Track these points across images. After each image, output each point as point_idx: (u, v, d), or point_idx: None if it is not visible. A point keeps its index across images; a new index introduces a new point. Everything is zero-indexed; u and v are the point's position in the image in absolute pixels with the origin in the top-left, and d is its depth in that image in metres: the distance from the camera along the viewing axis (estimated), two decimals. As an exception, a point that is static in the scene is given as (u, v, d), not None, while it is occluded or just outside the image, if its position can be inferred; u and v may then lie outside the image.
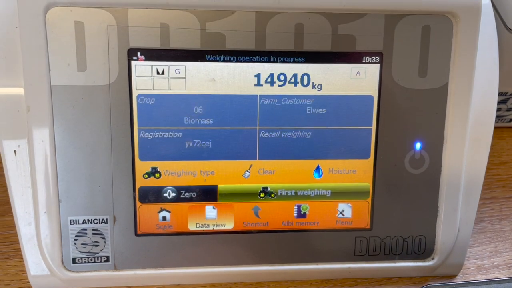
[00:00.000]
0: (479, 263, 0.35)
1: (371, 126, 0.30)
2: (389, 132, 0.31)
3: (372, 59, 0.30)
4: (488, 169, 0.42)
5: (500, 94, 0.40)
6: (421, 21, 0.29)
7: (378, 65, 0.30)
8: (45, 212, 0.29)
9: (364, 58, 0.29)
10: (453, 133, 0.31)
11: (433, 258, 0.32)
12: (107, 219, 0.29)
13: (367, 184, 0.31)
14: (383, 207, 0.31)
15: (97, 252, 0.30)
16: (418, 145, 0.31)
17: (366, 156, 0.31)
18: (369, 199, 0.31)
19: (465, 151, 0.31)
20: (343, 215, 0.31)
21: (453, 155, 0.31)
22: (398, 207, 0.31)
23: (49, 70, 0.27)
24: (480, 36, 0.30)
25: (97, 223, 0.29)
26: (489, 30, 0.31)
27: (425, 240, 0.32)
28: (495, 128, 0.45)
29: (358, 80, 0.30)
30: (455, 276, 0.34)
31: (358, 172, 0.31)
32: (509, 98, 0.40)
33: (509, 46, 0.35)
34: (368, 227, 0.32)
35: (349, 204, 0.31)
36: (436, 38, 0.30)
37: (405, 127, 0.31)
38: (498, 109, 0.42)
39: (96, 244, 0.30)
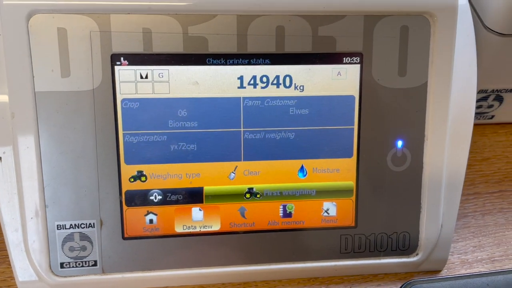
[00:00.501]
0: (463, 258, 0.36)
1: (353, 125, 0.31)
2: (371, 131, 0.31)
3: (352, 60, 0.30)
4: (470, 165, 0.43)
5: (480, 91, 0.41)
6: (400, 21, 0.30)
7: (358, 66, 0.30)
8: (32, 218, 0.29)
9: (344, 58, 0.30)
10: (434, 131, 0.31)
11: (417, 254, 0.33)
12: (94, 223, 0.30)
13: (351, 182, 0.32)
14: (367, 204, 0.32)
15: (85, 257, 0.30)
16: (399, 143, 0.31)
17: (349, 155, 0.31)
18: (353, 197, 0.32)
19: (446, 148, 0.32)
20: (328, 213, 0.32)
21: (434, 152, 0.32)
22: (382, 204, 0.32)
23: (33, 76, 0.28)
24: (457, 35, 0.31)
25: (84, 227, 0.30)
26: (466, 29, 0.32)
27: (409, 236, 0.33)
28: (477, 125, 0.46)
29: (339, 80, 0.30)
30: (440, 271, 0.34)
31: (341, 171, 0.32)
32: (490, 95, 0.41)
33: (487, 44, 0.36)
34: (353, 224, 0.32)
35: (334, 203, 0.32)
36: (414, 37, 0.30)
37: (386, 125, 0.31)
38: (479, 106, 0.43)
39: (83, 248, 0.30)
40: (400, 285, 0.30)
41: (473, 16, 0.37)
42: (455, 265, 0.35)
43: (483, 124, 0.46)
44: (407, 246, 0.33)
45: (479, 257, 0.36)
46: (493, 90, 0.41)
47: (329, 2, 0.29)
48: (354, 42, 0.30)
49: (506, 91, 0.41)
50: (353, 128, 0.31)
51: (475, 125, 0.46)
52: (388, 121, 0.31)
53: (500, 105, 0.42)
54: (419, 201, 0.32)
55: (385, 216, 0.32)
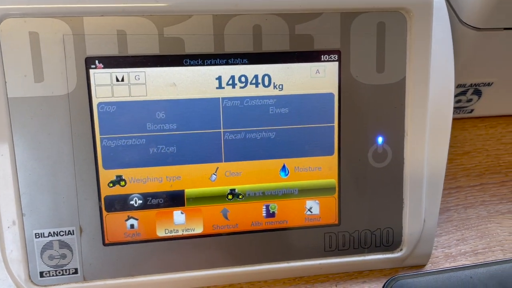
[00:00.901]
0: (447, 252, 0.36)
1: (333, 123, 0.31)
2: (351, 128, 0.31)
3: (330, 57, 0.30)
4: (452, 159, 0.43)
5: (459, 86, 0.41)
6: (376, 18, 0.30)
7: (336, 63, 0.30)
8: (8, 227, 0.28)
9: (322, 56, 0.30)
10: (413, 126, 0.31)
11: (401, 250, 0.33)
12: (73, 231, 0.29)
13: (333, 180, 0.32)
14: (350, 202, 0.32)
15: (65, 265, 0.29)
16: (380, 139, 0.31)
17: (330, 152, 0.31)
18: (336, 195, 0.32)
19: (426, 143, 0.32)
20: (311, 212, 0.32)
21: (415, 147, 0.32)
22: (364, 201, 0.32)
23: (5, 82, 0.27)
24: (434, 30, 0.31)
25: (63, 235, 0.29)
26: (443, 24, 0.32)
27: (393, 232, 0.33)
28: (457, 119, 0.47)
29: (318, 78, 0.30)
30: (424, 265, 0.34)
31: (323, 169, 0.31)
32: (468, 89, 0.41)
33: (464, 39, 0.36)
34: (337, 222, 0.32)
35: (317, 201, 0.32)
36: (391, 34, 0.30)
37: (366, 122, 0.31)
38: (459, 101, 0.43)
39: (63, 256, 0.29)
40: (385, 281, 0.30)
41: (449, 11, 0.37)
42: (439, 259, 0.35)
43: (464, 118, 0.46)
44: (391, 242, 0.33)
45: (462, 250, 0.36)
46: (471, 84, 0.41)
47: (304, 0, 0.29)
48: (332, 39, 0.30)
49: (484, 84, 0.41)
50: (333, 126, 0.31)
51: (455, 119, 0.47)
52: (368, 118, 0.31)
53: (479, 99, 0.43)
54: (401, 197, 0.32)
55: (368, 213, 0.32)
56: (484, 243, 0.37)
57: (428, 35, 0.30)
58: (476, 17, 0.35)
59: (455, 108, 0.44)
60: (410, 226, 0.33)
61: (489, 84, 0.41)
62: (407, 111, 0.31)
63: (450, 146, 0.44)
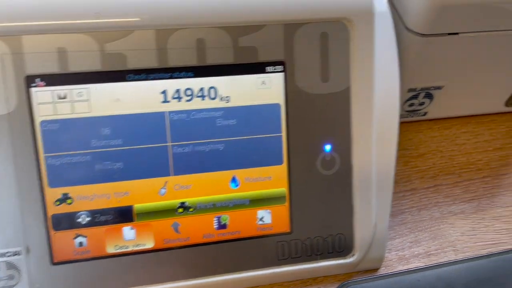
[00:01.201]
0: (400, 254, 0.37)
1: (281, 133, 0.31)
2: (299, 137, 0.31)
3: (275, 68, 0.30)
4: (407, 162, 0.44)
5: (410, 90, 0.42)
6: (319, 28, 0.30)
7: (281, 74, 0.30)
8: (-48, 251, 0.28)
9: (267, 68, 0.30)
10: (360, 133, 0.32)
11: (353, 255, 0.33)
12: (20, 251, 0.29)
13: (283, 189, 0.32)
14: (301, 210, 0.32)
15: (13, 286, 0.29)
16: (328, 147, 0.32)
17: (279, 162, 0.32)
18: (287, 204, 0.32)
19: (373, 148, 0.32)
20: (263, 221, 0.32)
21: (362, 153, 0.32)
22: (315, 208, 0.32)
23: None
24: (378, 37, 0.32)
25: (9, 255, 0.28)
26: (387, 32, 0.33)
27: (344, 238, 0.33)
28: (413, 122, 0.48)
29: (264, 89, 0.31)
30: (378, 269, 0.35)
31: (273, 178, 0.32)
32: (419, 93, 0.42)
33: (410, 45, 0.37)
34: (289, 230, 0.32)
35: (268, 210, 0.32)
36: (334, 44, 0.31)
37: (314, 130, 0.32)
38: (411, 104, 0.44)
39: (10, 277, 0.29)
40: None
41: (395, 18, 0.38)
42: (393, 262, 0.36)
43: (419, 121, 0.47)
44: (343, 248, 0.33)
45: (415, 252, 0.37)
46: (422, 88, 0.42)
47: (247, 13, 0.29)
48: (276, 51, 0.30)
49: (434, 88, 0.42)
50: (281, 136, 0.31)
51: (410, 122, 0.48)
52: (315, 127, 0.32)
53: (430, 102, 0.44)
54: (351, 202, 0.33)
55: (320, 220, 0.33)
56: (436, 244, 0.38)
57: (370, 44, 0.31)
58: (420, 24, 0.36)
59: (408, 111, 0.45)
60: (361, 231, 0.33)
61: (439, 88, 0.42)
62: (353, 119, 0.32)
63: (405, 149, 0.46)
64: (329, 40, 0.31)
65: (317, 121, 0.31)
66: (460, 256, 0.37)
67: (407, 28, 0.36)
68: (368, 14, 0.31)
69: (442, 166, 0.44)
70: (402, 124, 0.47)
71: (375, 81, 0.32)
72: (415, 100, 0.43)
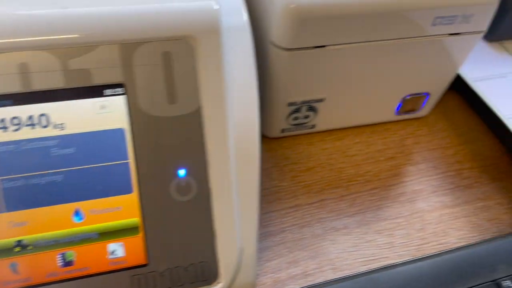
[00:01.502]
0: (276, 277, 0.35)
1: (128, 159, 0.29)
2: (149, 163, 0.29)
3: (115, 91, 0.28)
4: (295, 176, 0.43)
5: (290, 104, 0.41)
6: (160, 47, 0.29)
7: (123, 97, 0.28)
8: None
9: (106, 91, 0.28)
10: (216, 154, 0.30)
11: (219, 282, 0.32)
12: None
13: (136, 219, 0.30)
14: (157, 240, 0.30)
15: None
16: (182, 172, 0.30)
17: (129, 191, 0.29)
18: (141, 234, 0.30)
19: (232, 169, 0.31)
20: (115, 255, 0.30)
21: (220, 176, 0.31)
22: (173, 237, 0.30)
23: None
24: (235, 53, 0.30)
25: None
26: (244, 47, 0.32)
27: (208, 266, 0.31)
28: (306, 134, 0.47)
29: (104, 114, 0.28)
30: (250, 294, 0.34)
31: (123, 208, 0.30)
32: (301, 106, 0.41)
33: (277, 59, 0.36)
34: (145, 262, 0.30)
35: (120, 243, 0.30)
36: (179, 63, 0.29)
37: (165, 155, 0.30)
38: (296, 118, 0.43)
39: None
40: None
41: (261, 33, 0.37)
42: (267, 286, 0.35)
43: (309, 133, 0.46)
44: (207, 276, 0.31)
45: (293, 273, 0.36)
46: (302, 101, 0.41)
47: (74, 33, 0.27)
48: (113, 73, 0.28)
49: (315, 101, 0.41)
50: (128, 163, 0.29)
51: (303, 135, 0.47)
52: (166, 151, 0.30)
53: (316, 114, 0.43)
54: (212, 228, 0.31)
55: (179, 249, 0.31)
56: (315, 263, 0.37)
57: (219, 62, 0.30)
58: (284, 38, 0.35)
59: (294, 125, 0.44)
60: (226, 257, 0.31)
61: (321, 100, 0.41)
62: (208, 140, 0.30)
63: (294, 163, 0.44)
64: (172, 60, 0.29)
65: (168, 145, 0.30)
66: (338, 274, 0.36)
67: (272, 43, 0.35)
68: (214, 31, 0.29)
69: (330, 180, 0.43)
70: (293, 137, 0.46)
71: (228, 99, 0.30)
72: (298, 114, 0.42)
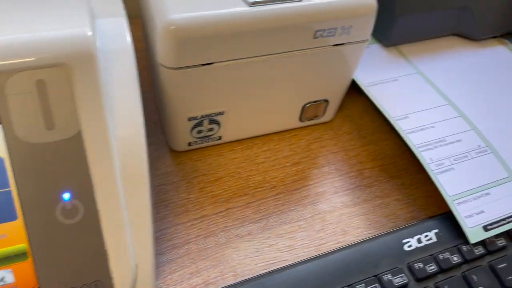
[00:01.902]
0: (177, 288, 0.37)
1: (9, 187, 0.30)
2: (32, 189, 0.30)
3: (-11, 122, 0.29)
4: (203, 188, 0.44)
5: (190, 119, 0.42)
6: (34, 76, 0.29)
7: (-2, 126, 0.29)
8: None
9: (-21, 122, 0.29)
10: (101, 176, 0.31)
11: (115, 299, 0.33)
12: None
13: (23, 245, 0.30)
14: (47, 263, 0.31)
15: None
16: (66, 196, 0.31)
17: (13, 218, 0.30)
18: (30, 259, 0.31)
19: (120, 188, 0.32)
20: (4, 282, 0.30)
21: (107, 196, 0.32)
22: (63, 259, 0.31)
23: None
24: (118, 74, 0.32)
25: None
26: (127, 68, 0.33)
27: (102, 284, 0.32)
28: (214, 146, 0.48)
29: (-19, 144, 0.29)
30: (151, 308, 0.35)
31: (9, 235, 0.30)
32: (202, 120, 0.43)
33: (168, 78, 0.37)
34: (37, 286, 0.31)
35: (9, 270, 0.30)
36: (54, 90, 0.30)
37: (47, 180, 0.30)
38: (200, 131, 0.44)
39: None
40: None
41: (151, 54, 0.38)
42: (168, 298, 0.36)
43: (217, 145, 0.48)
44: (102, 295, 0.32)
45: (194, 284, 0.37)
46: (202, 115, 0.42)
47: None
48: (-15, 104, 0.29)
49: (216, 114, 0.43)
50: (10, 190, 0.30)
51: (211, 146, 0.48)
52: (48, 176, 0.30)
53: (220, 126, 0.45)
54: (103, 248, 0.32)
55: (71, 270, 0.31)
56: (217, 271, 0.38)
57: (96, 86, 0.30)
58: (169, 59, 0.36)
59: (200, 138, 0.45)
60: (120, 274, 0.32)
61: (221, 113, 0.43)
62: (91, 162, 0.31)
63: (203, 175, 0.46)
64: (47, 87, 0.30)
65: (50, 171, 0.30)
66: (239, 279, 0.38)
67: (160, 64, 0.37)
68: (88, 57, 0.30)
69: (237, 188, 0.45)
70: (202, 149, 0.48)
71: (110, 120, 0.31)
72: (201, 127, 0.44)
